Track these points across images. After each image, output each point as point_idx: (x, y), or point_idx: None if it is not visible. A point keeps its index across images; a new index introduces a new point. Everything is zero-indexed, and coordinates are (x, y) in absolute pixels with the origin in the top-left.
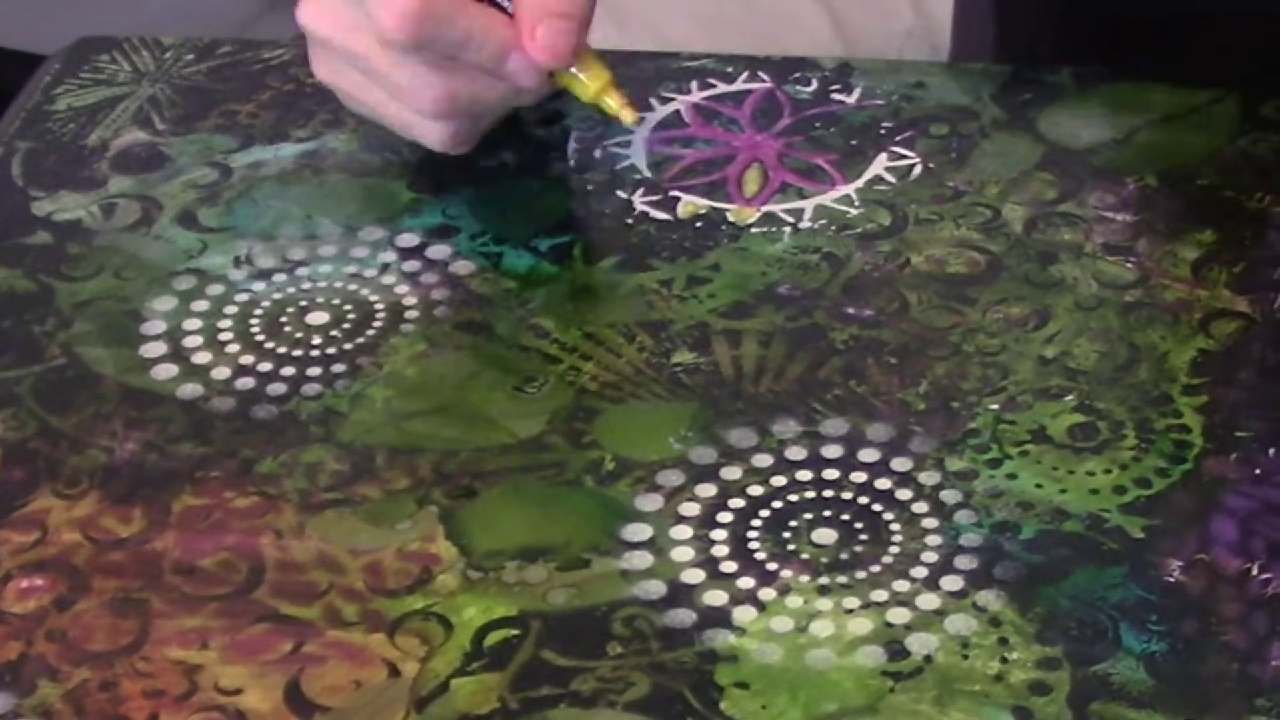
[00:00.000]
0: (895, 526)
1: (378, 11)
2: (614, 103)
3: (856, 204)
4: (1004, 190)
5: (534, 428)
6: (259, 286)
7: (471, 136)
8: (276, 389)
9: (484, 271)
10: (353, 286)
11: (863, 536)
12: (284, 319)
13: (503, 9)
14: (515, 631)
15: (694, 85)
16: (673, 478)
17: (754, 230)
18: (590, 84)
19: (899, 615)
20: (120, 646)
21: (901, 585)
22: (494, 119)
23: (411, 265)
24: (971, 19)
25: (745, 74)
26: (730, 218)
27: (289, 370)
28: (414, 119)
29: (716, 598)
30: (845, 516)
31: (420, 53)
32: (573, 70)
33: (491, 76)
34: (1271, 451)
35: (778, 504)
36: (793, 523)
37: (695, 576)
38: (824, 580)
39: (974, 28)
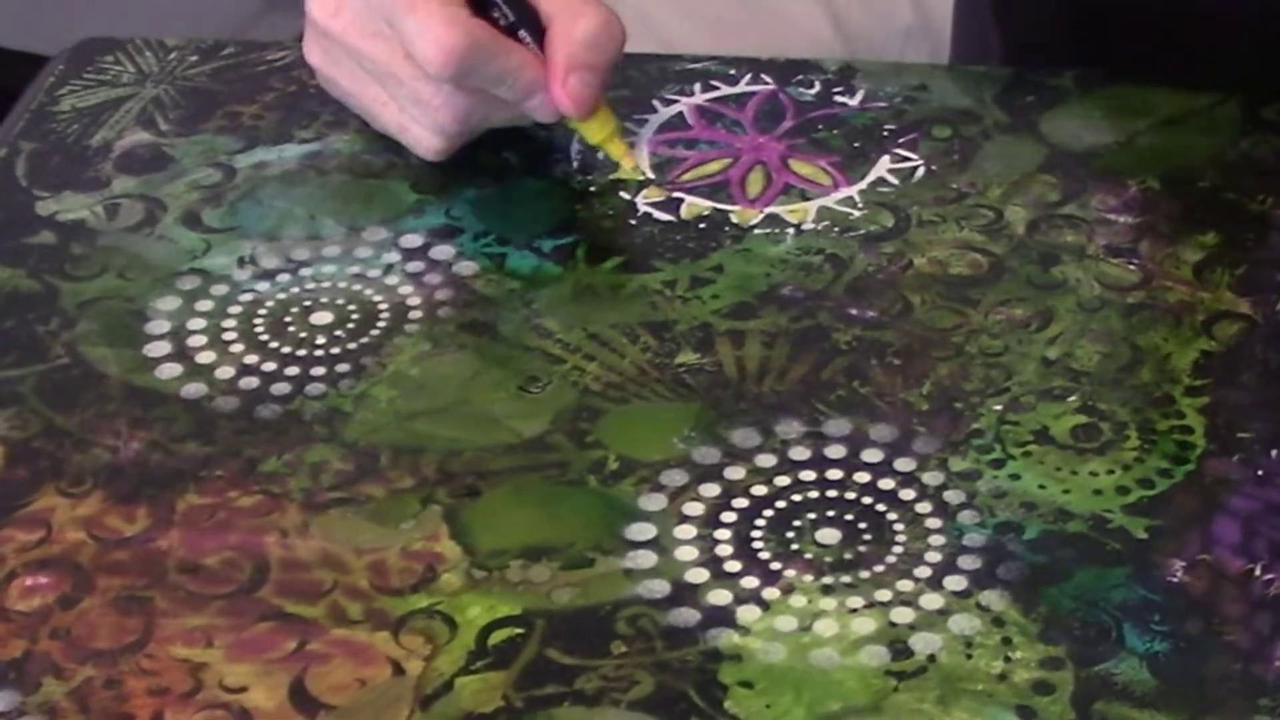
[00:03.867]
0: (899, 526)
1: (419, 43)
2: (616, 151)
3: (859, 206)
4: (1006, 192)
5: (538, 427)
6: (263, 286)
7: (457, 149)
8: (281, 389)
9: (488, 272)
10: (356, 287)
11: (866, 536)
12: (288, 319)
13: (516, 37)
14: (519, 630)
15: (697, 87)
16: (676, 478)
17: (757, 231)
18: (599, 130)
19: (903, 615)
20: (125, 644)
21: (905, 585)
22: (496, 124)
23: (415, 265)
24: (971, 20)
25: (748, 76)
26: (733, 219)
27: (293, 370)
28: (412, 124)
29: (720, 597)
30: (849, 516)
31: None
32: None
33: (508, 105)
34: (1274, 452)
35: (781, 504)
36: (796, 522)
37: (699, 576)
38: (828, 580)
39: (974, 29)
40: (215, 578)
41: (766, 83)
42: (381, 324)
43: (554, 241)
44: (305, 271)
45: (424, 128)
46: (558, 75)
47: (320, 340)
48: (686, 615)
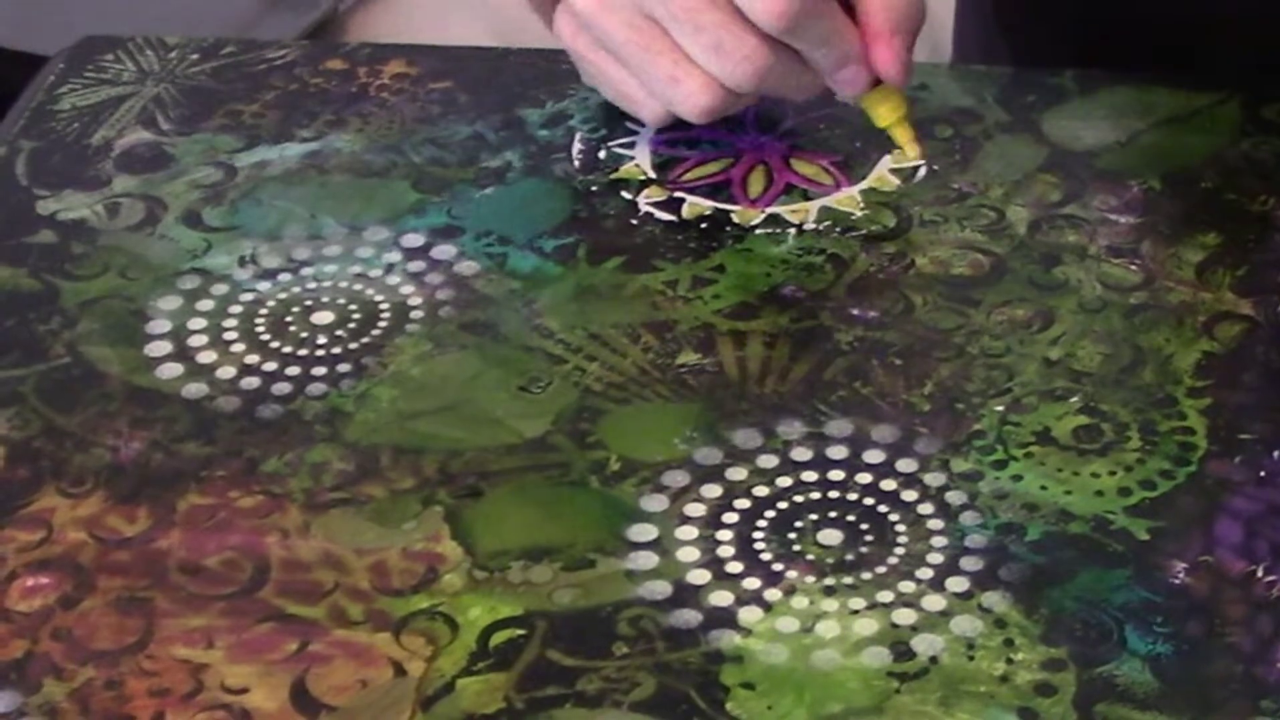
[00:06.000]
0: (901, 528)
1: None
2: (904, 136)
3: (861, 206)
4: (1008, 192)
5: (539, 428)
6: (264, 286)
7: (719, 115)
8: (282, 388)
9: (489, 272)
10: (358, 286)
11: (868, 538)
12: (289, 319)
13: None
14: (521, 631)
15: None
16: (678, 478)
17: (758, 231)
18: (892, 112)
19: (905, 616)
20: (125, 645)
21: (907, 586)
22: (744, 105)
23: (416, 265)
24: (972, 21)
25: None
26: (735, 219)
27: (294, 370)
28: (689, 76)
29: (722, 598)
30: (851, 518)
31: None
32: (879, 94)
33: (806, 72)
34: (1276, 454)
35: (783, 505)
36: (798, 524)
37: (701, 577)
38: (830, 581)
39: (973, 30)
40: (216, 578)
41: None
42: (383, 324)
43: (555, 241)
44: (306, 271)
45: (705, 80)
46: (882, 37)
47: (321, 340)
48: (688, 616)
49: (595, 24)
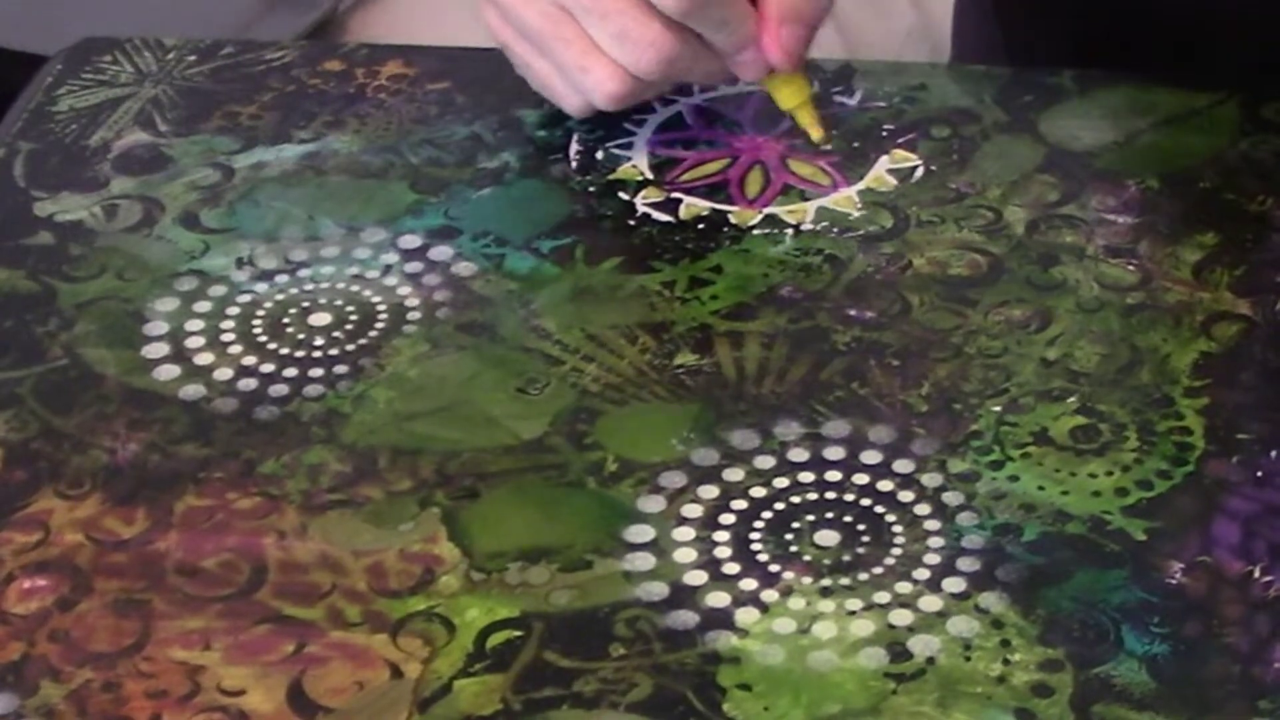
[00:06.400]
0: (897, 528)
1: None
2: (808, 119)
3: (858, 206)
4: (1006, 192)
5: (536, 429)
6: (261, 287)
7: (633, 103)
8: (279, 390)
9: (486, 273)
10: (355, 288)
11: (865, 538)
12: (286, 320)
13: None
14: (518, 633)
15: (695, 87)
16: (675, 479)
17: (756, 232)
18: (794, 96)
19: (901, 617)
20: (123, 647)
21: (904, 587)
22: (657, 92)
23: (414, 266)
24: (971, 21)
25: None
26: (732, 219)
27: (291, 371)
28: (597, 64)
29: (719, 599)
30: (847, 518)
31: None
32: (783, 78)
33: (711, 58)
34: (1273, 454)
35: (780, 506)
36: (795, 524)
37: (698, 578)
38: (826, 582)
39: (973, 29)
40: (213, 580)
41: None
42: (380, 325)
43: (552, 242)
44: (304, 272)
45: (612, 68)
46: (770, 25)
47: (318, 341)
48: (685, 617)
49: (513, 14)
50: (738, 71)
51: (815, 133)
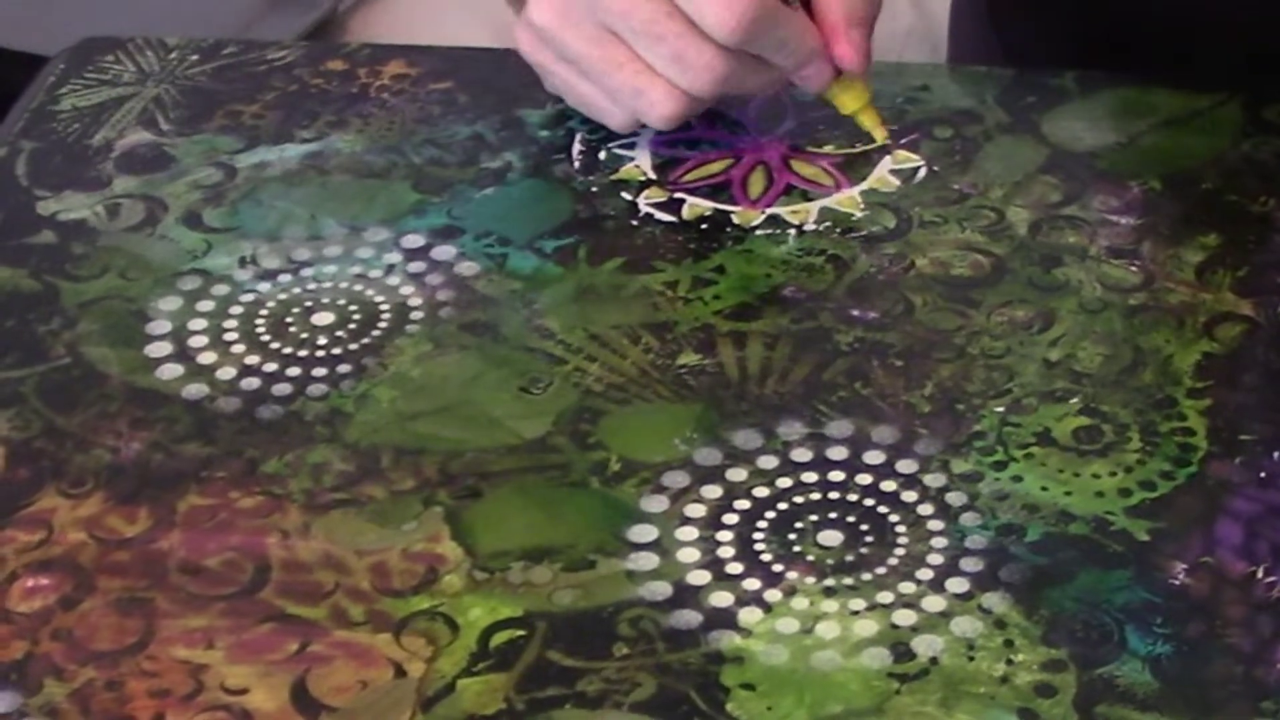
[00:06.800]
0: (901, 529)
1: (709, 9)
2: (870, 121)
3: (861, 206)
4: (1008, 193)
5: (539, 429)
6: (264, 287)
7: (686, 119)
8: (282, 389)
9: (489, 272)
10: (358, 287)
11: (868, 539)
12: (289, 319)
13: (788, 3)
14: (521, 632)
15: None
16: (678, 479)
17: (759, 232)
18: (856, 99)
19: (905, 617)
20: (126, 646)
21: (907, 587)
22: (708, 106)
23: (417, 266)
24: (967, 22)
25: None
26: (735, 220)
27: (294, 370)
28: (651, 86)
29: (722, 599)
30: (851, 518)
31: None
32: (846, 82)
33: (768, 70)
34: (1276, 455)
35: (783, 506)
36: (798, 524)
37: (701, 578)
38: (830, 582)
39: (969, 31)
40: (216, 579)
41: None
42: (383, 324)
43: (556, 242)
44: (306, 272)
45: (667, 90)
46: (839, 30)
47: (321, 341)
48: (688, 617)
49: (556, 39)
50: (804, 85)
51: (879, 134)
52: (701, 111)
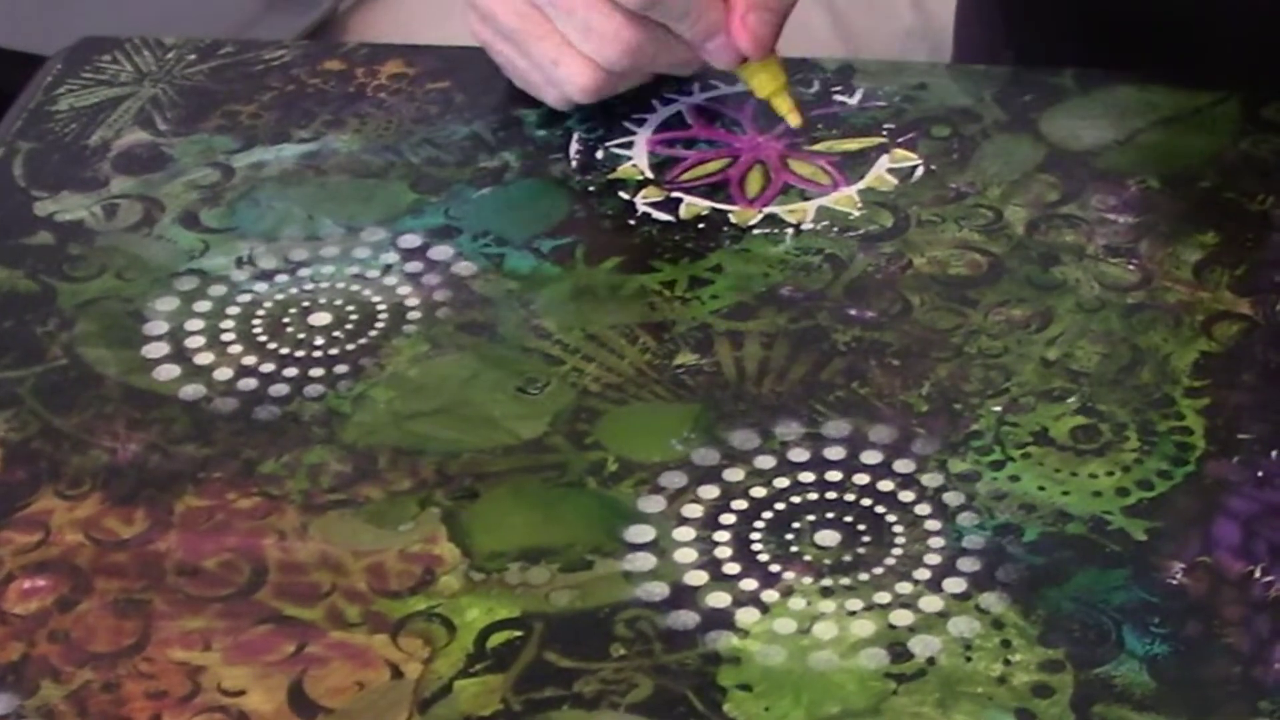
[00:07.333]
0: (898, 529)
1: None
2: (784, 105)
3: (859, 206)
4: (1006, 192)
5: (536, 429)
6: (261, 287)
7: (608, 94)
8: (279, 390)
9: (486, 272)
10: (355, 287)
11: (865, 538)
12: (286, 320)
13: None
14: (518, 633)
15: (696, 86)
16: (675, 479)
17: (756, 232)
18: (769, 83)
19: (902, 617)
20: (123, 647)
21: (904, 587)
22: (634, 83)
23: (414, 266)
24: (973, 21)
25: None
26: (732, 219)
27: (291, 371)
28: (568, 58)
29: (719, 599)
30: (848, 518)
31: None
32: (757, 64)
33: (680, 48)
34: (1274, 454)
35: (780, 506)
36: (795, 524)
37: (698, 578)
38: (827, 582)
39: (974, 30)
40: (213, 580)
41: None
42: (380, 325)
43: (553, 242)
44: (303, 272)
45: (582, 61)
46: (737, 12)
47: (318, 341)
48: (685, 618)
49: (489, 14)
50: (708, 59)
51: (794, 119)
52: (623, 89)
